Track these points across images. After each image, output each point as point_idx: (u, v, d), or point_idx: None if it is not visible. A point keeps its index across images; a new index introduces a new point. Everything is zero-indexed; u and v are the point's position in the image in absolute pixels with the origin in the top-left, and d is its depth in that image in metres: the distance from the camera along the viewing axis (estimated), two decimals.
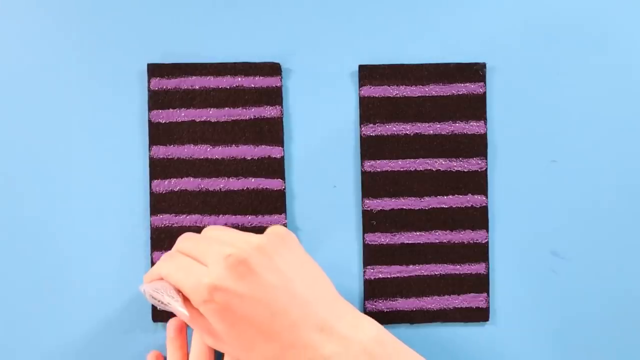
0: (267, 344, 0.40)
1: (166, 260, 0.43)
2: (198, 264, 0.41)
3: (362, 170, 0.50)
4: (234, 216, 0.50)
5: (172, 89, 0.50)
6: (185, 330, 0.49)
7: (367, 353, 0.39)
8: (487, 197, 0.50)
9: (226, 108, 0.50)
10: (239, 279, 0.39)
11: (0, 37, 0.50)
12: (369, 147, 0.50)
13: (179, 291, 0.41)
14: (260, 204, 0.50)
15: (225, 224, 0.50)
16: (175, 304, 0.41)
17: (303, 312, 0.39)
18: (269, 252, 0.40)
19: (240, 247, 0.40)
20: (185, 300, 0.41)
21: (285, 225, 0.50)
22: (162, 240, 0.50)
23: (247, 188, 0.50)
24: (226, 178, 0.50)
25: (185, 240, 0.44)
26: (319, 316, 0.40)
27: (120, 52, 0.50)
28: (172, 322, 0.49)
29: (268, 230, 0.42)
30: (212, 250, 0.41)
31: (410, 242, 0.50)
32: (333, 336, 0.39)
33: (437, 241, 0.50)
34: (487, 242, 0.50)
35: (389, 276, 0.50)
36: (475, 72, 0.50)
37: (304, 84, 0.51)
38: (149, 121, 0.50)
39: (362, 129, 0.50)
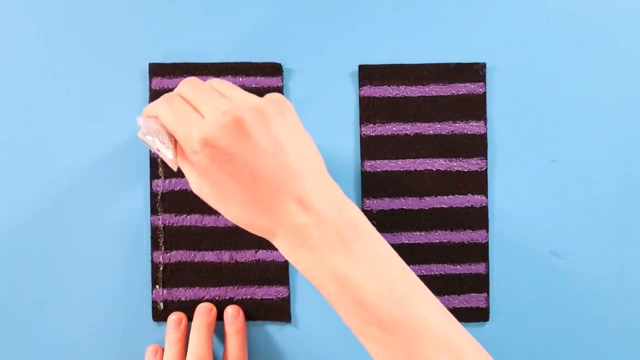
0: (244, 206, 0.40)
1: (165, 101, 0.42)
2: (194, 113, 0.40)
3: (362, 170, 0.50)
4: None
5: (174, 88, 0.50)
6: (184, 326, 0.49)
7: (337, 231, 0.39)
8: (487, 197, 0.50)
9: None
10: (230, 138, 0.39)
11: (2, 36, 0.50)
12: (369, 147, 0.50)
13: (171, 135, 0.41)
14: None
15: (226, 224, 0.50)
16: (165, 152, 0.41)
17: (286, 182, 0.39)
18: (265, 116, 0.40)
19: (237, 106, 0.39)
20: (177, 143, 0.41)
21: None
22: (161, 240, 0.50)
23: None
24: None
25: (187, 85, 0.43)
26: (301, 189, 0.39)
27: (121, 51, 0.50)
28: (172, 318, 0.49)
29: (267, 95, 0.41)
30: (210, 103, 0.40)
31: (410, 242, 0.50)
32: (309, 210, 0.39)
33: (437, 241, 0.50)
34: (487, 242, 0.50)
35: None
36: (475, 72, 0.50)
37: (305, 84, 0.51)
38: None
39: (362, 129, 0.50)
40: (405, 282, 0.40)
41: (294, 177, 0.39)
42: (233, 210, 0.40)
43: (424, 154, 0.50)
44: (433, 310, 0.39)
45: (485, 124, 0.50)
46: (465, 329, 0.40)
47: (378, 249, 0.40)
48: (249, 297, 0.50)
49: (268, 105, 0.40)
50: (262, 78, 0.50)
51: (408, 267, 0.41)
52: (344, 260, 0.39)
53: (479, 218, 0.50)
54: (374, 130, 0.50)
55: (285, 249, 0.40)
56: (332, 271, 0.39)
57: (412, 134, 0.50)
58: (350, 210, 0.40)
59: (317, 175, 0.41)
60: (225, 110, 0.39)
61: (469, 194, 0.50)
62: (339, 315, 0.40)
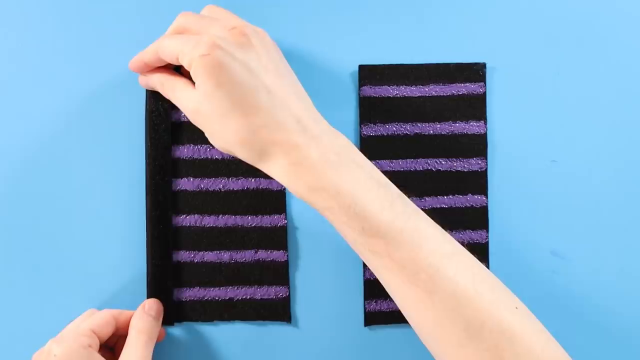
0: (242, 118, 0.40)
1: (164, 36, 0.44)
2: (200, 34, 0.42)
3: None
4: (233, 216, 0.50)
5: None
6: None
7: (335, 153, 0.41)
8: (487, 197, 0.50)
9: None
10: (238, 45, 0.41)
11: (0, 37, 0.50)
12: (369, 147, 0.50)
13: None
14: (260, 204, 0.50)
15: (225, 225, 0.50)
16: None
17: (287, 100, 0.41)
18: (268, 40, 0.43)
19: (244, 23, 0.42)
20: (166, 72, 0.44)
21: (285, 226, 0.50)
22: None
23: (247, 188, 0.50)
24: (226, 178, 0.50)
25: (185, 15, 0.44)
26: (300, 111, 0.41)
27: (120, 52, 0.50)
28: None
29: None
30: (215, 24, 0.42)
31: None
32: (307, 131, 0.41)
33: None
34: (487, 242, 0.50)
35: None
36: (475, 72, 0.50)
37: (304, 84, 0.50)
38: None
39: (362, 129, 0.50)
40: (402, 198, 0.42)
41: (293, 99, 0.41)
42: (232, 122, 0.40)
43: (424, 154, 0.50)
44: (430, 223, 0.42)
45: (485, 124, 0.50)
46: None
47: (373, 171, 0.42)
48: (249, 297, 0.50)
49: (268, 35, 0.44)
50: None
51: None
52: (345, 176, 0.40)
53: (479, 218, 0.50)
54: (374, 130, 0.50)
55: (283, 170, 0.41)
56: (333, 188, 0.40)
57: (412, 134, 0.50)
58: (344, 138, 0.42)
59: (313, 109, 0.43)
60: (233, 25, 0.42)
61: (469, 194, 0.50)
62: (340, 232, 0.41)
